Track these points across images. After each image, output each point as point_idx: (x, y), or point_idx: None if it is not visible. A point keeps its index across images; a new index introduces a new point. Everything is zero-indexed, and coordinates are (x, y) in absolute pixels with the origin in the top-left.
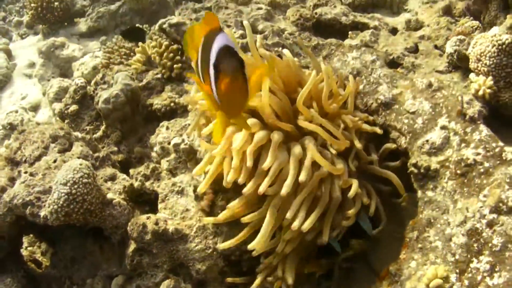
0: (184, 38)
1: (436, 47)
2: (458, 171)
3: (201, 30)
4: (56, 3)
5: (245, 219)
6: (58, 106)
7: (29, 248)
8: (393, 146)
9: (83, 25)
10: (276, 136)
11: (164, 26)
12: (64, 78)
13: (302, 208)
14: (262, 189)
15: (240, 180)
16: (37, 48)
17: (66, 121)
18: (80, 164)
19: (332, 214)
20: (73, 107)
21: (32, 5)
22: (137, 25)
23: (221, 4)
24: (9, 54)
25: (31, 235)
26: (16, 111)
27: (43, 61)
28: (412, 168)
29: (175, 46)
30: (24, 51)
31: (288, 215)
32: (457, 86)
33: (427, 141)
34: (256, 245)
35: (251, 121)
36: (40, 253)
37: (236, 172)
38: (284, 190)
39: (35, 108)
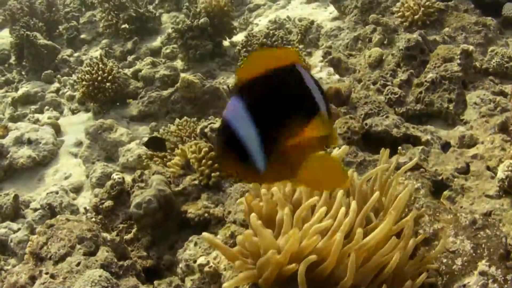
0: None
1: (488, 168)
2: None
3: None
4: (108, 84)
5: None
6: (96, 194)
7: None
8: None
9: (134, 108)
10: None
11: (206, 130)
12: (110, 162)
13: None
14: None
15: None
16: (84, 128)
17: (99, 216)
18: (100, 276)
19: None
20: (108, 203)
21: (84, 82)
22: (156, 134)
23: None
24: (57, 130)
25: None
26: (57, 192)
27: (89, 143)
28: None
29: (214, 153)
30: (74, 128)
31: None
32: (506, 214)
33: (464, 286)
34: None
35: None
36: None
37: None
38: None
39: (77, 190)
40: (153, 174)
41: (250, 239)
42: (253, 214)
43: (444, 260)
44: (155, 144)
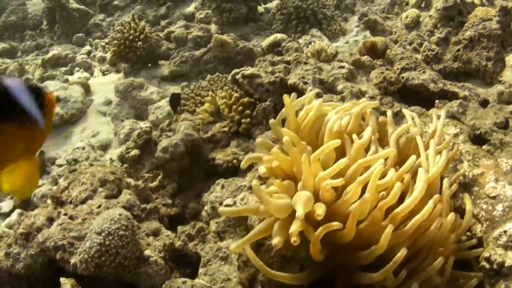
0: None
1: None
2: None
3: None
4: (139, 43)
5: None
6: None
7: None
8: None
9: (165, 68)
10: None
11: (237, 76)
12: (139, 120)
13: None
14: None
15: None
16: (114, 86)
17: (125, 165)
18: (120, 215)
19: None
20: (134, 152)
21: (115, 42)
22: (175, 92)
23: (300, 59)
24: (87, 89)
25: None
26: (83, 148)
27: (119, 100)
28: (484, 263)
29: (245, 99)
30: (104, 87)
31: None
32: None
33: (505, 232)
34: None
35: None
36: None
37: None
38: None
39: (105, 147)
40: (182, 120)
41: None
42: (254, 183)
43: (484, 206)
44: (176, 101)
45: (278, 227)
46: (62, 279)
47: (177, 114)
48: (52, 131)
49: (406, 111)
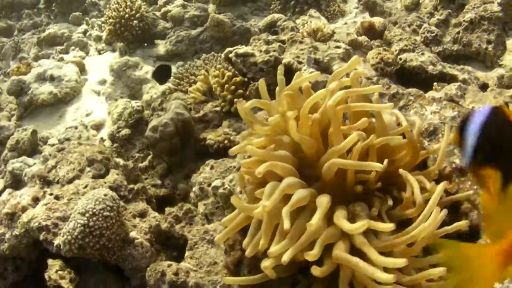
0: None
1: None
2: None
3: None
4: (135, 21)
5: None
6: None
7: (59, 272)
8: (465, 223)
9: (161, 47)
10: (324, 201)
11: (231, 55)
12: (133, 99)
13: None
14: (286, 257)
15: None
16: (109, 65)
17: (115, 144)
18: (105, 195)
19: None
20: (125, 131)
21: (110, 20)
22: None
23: (296, 38)
24: (82, 68)
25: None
26: (76, 127)
27: (113, 80)
28: None
29: (238, 78)
30: (99, 67)
31: None
32: None
33: None
34: None
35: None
36: (69, 279)
37: (266, 236)
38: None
39: (98, 126)
40: (174, 99)
41: None
42: (233, 198)
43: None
44: (163, 73)
45: (251, 229)
46: (50, 260)
47: (170, 92)
48: (46, 110)
49: (402, 117)
